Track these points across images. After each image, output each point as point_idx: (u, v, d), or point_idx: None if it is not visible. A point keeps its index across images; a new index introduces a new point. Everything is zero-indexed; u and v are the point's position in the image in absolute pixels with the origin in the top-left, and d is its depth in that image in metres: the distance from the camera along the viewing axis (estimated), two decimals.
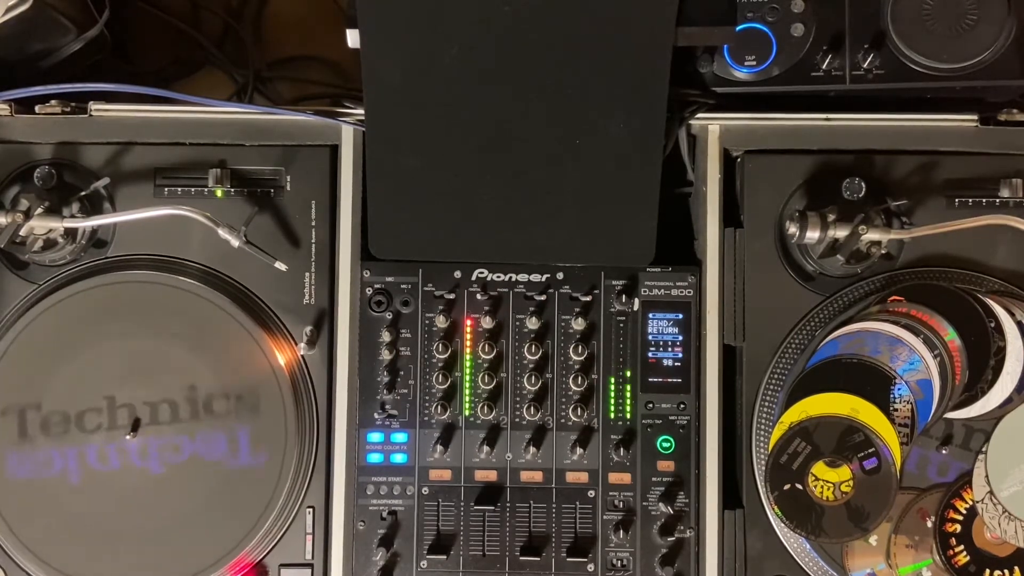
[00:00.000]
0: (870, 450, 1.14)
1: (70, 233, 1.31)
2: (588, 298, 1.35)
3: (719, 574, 1.32)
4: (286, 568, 1.33)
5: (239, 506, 1.30)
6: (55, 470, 1.30)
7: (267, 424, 1.31)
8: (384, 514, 1.33)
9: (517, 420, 1.34)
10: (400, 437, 1.34)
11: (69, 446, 1.30)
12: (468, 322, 1.35)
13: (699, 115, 1.37)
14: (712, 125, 1.37)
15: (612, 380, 1.35)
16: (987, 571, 1.22)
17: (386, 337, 1.34)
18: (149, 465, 1.30)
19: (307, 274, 1.35)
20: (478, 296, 1.35)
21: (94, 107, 1.36)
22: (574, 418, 1.34)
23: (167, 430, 1.31)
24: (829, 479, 1.15)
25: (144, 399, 1.31)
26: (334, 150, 1.37)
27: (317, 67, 1.74)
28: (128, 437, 1.30)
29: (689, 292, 1.36)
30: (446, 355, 1.34)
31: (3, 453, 1.30)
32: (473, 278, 1.36)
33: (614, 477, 1.34)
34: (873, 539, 1.25)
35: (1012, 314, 1.24)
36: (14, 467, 1.30)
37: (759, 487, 1.32)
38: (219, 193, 1.34)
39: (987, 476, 1.19)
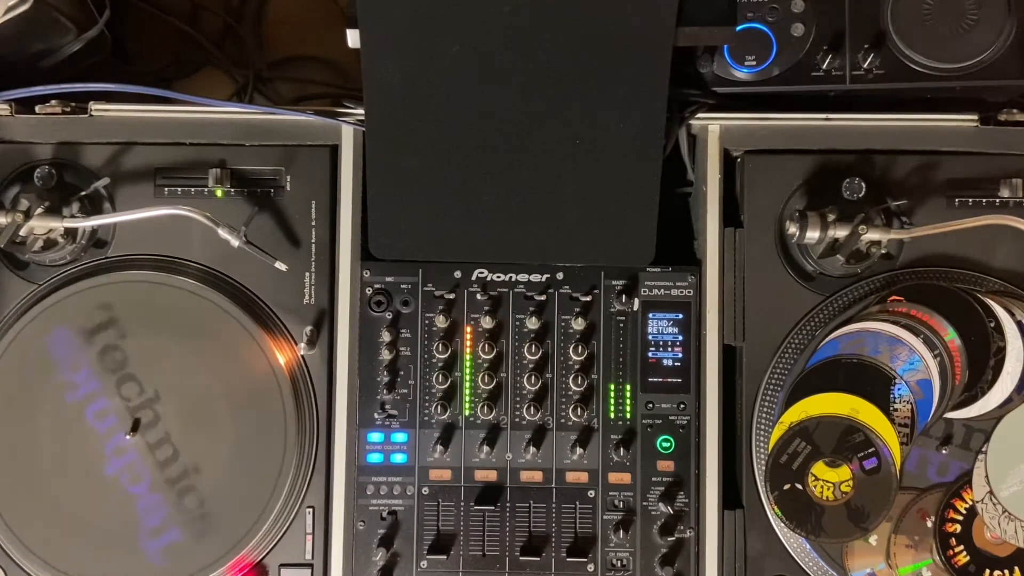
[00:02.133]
0: (870, 450, 1.14)
1: (70, 233, 1.31)
2: (588, 298, 1.35)
3: (719, 574, 1.32)
4: (286, 568, 1.33)
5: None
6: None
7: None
8: (384, 514, 1.33)
9: (517, 420, 1.34)
10: (400, 437, 1.34)
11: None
12: (468, 322, 1.35)
13: (699, 115, 1.37)
14: (712, 125, 1.37)
15: (612, 380, 1.35)
16: (987, 571, 1.22)
17: (386, 337, 1.34)
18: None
19: (307, 274, 1.35)
20: (478, 296, 1.35)
21: (94, 107, 1.36)
22: (574, 418, 1.34)
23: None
24: (829, 479, 1.15)
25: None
26: (334, 150, 1.37)
27: (317, 67, 1.74)
28: (128, 437, 1.30)
29: (689, 292, 1.36)
30: (446, 355, 1.34)
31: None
32: (473, 278, 1.36)
33: (614, 477, 1.34)
34: (873, 539, 1.25)
35: (1012, 314, 1.24)
36: (14, 467, 1.30)
37: (759, 487, 1.32)
38: (219, 193, 1.34)
39: (987, 476, 1.19)
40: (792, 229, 1.29)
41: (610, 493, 1.33)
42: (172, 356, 1.31)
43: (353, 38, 1.25)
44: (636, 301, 1.35)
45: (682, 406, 1.34)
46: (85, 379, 1.31)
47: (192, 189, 1.35)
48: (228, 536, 1.30)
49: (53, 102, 1.35)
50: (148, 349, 1.31)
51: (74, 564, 1.29)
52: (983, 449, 1.20)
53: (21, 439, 1.30)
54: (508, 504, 1.33)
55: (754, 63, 1.37)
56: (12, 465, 1.30)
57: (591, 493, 1.34)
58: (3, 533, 1.30)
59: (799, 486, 1.15)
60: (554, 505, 1.33)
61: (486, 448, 1.33)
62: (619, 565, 1.32)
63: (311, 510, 1.33)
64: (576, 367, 1.35)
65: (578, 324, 1.35)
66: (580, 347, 1.34)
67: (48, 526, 1.30)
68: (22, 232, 1.28)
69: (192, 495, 1.30)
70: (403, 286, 1.35)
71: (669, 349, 1.35)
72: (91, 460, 1.30)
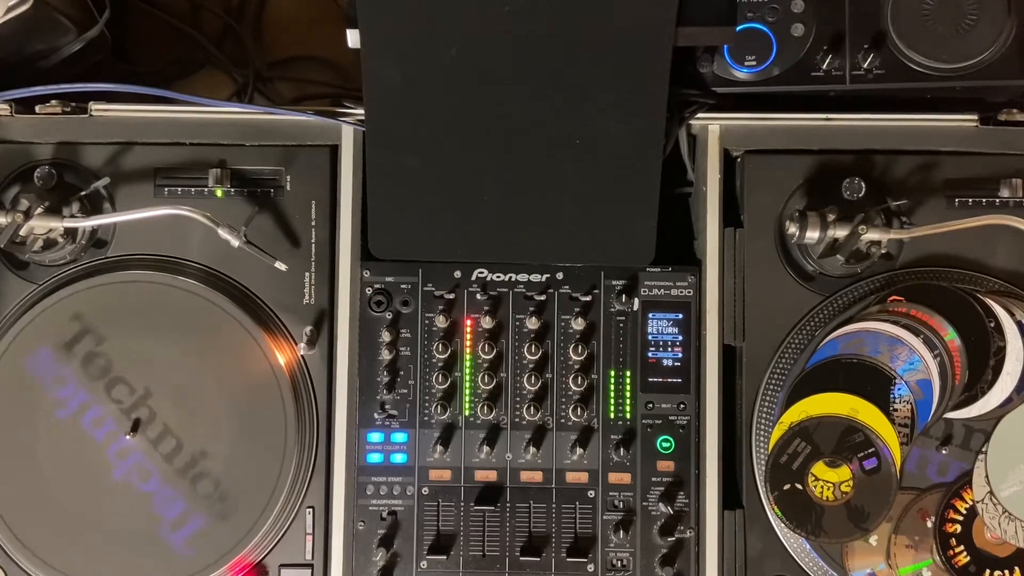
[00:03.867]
0: (870, 450, 1.14)
1: (70, 233, 1.31)
2: (588, 298, 1.35)
3: (719, 574, 1.32)
4: (286, 568, 1.33)
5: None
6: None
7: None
8: (384, 514, 1.33)
9: (517, 420, 1.34)
10: (400, 437, 1.34)
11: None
12: (468, 322, 1.35)
13: (699, 115, 1.37)
14: (712, 125, 1.37)
15: (612, 380, 1.35)
16: (987, 571, 1.22)
17: (386, 337, 1.34)
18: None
19: (307, 274, 1.35)
20: (478, 296, 1.35)
21: (94, 107, 1.36)
22: (574, 418, 1.34)
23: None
24: (829, 479, 1.15)
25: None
26: (334, 150, 1.37)
27: (317, 67, 1.74)
28: (128, 437, 1.30)
29: (689, 292, 1.36)
30: (446, 355, 1.34)
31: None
32: (473, 278, 1.36)
33: (614, 477, 1.34)
34: (873, 539, 1.25)
35: (1012, 314, 1.24)
36: (15, 467, 1.30)
37: (759, 487, 1.32)
38: (219, 193, 1.34)
39: (987, 476, 1.19)
40: (792, 229, 1.29)
41: (610, 493, 1.33)
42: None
43: (353, 38, 1.25)
44: (636, 301, 1.35)
45: (682, 406, 1.34)
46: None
47: (192, 189, 1.35)
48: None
49: (53, 102, 1.35)
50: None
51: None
52: (983, 449, 1.20)
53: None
54: (508, 504, 1.33)
55: (754, 63, 1.37)
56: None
57: (591, 493, 1.34)
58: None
59: (799, 486, 1.15)
60: (554, 505, 1.33)
61: (486, 448, 1.33)
62: (619, 565, 1.32)
63: (311, 510, 1.33)
64: (576, 367, 1.35)
65: (578, 324, 1.35)
66: (580, 347, 1.34)
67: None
68: (22, 232, 1.28)
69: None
70: (403, 286, 1.35)
71: (669, 349, 1.35)
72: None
